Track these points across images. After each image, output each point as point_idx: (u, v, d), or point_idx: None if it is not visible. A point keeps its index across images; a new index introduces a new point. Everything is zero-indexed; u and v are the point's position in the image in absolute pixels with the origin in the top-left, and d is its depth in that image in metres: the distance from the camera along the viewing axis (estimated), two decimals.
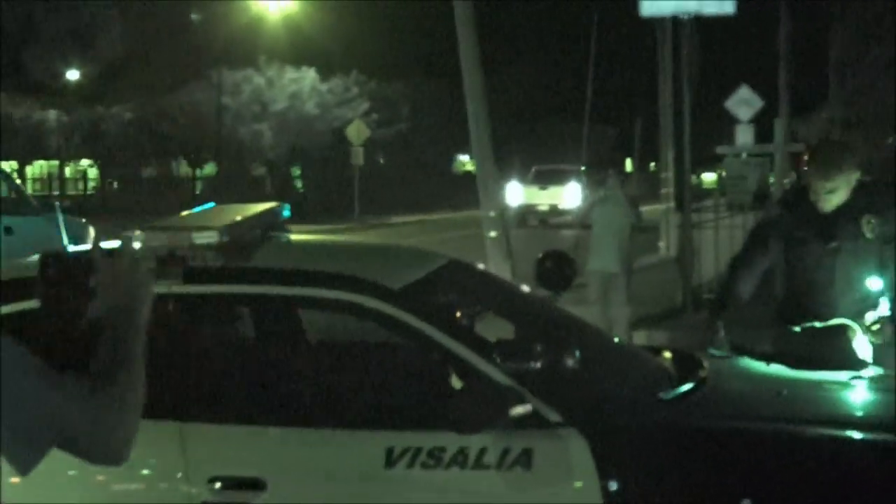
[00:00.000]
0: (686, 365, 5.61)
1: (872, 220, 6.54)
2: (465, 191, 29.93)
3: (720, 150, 20.22)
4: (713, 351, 5.99)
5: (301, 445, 4.87)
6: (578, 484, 4.68)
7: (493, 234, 16.19)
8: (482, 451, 4.74)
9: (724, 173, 20.23)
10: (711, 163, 41.65)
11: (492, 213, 16.21)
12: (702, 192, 43.42)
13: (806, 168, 6.75)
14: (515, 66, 62.65)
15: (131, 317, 2.98)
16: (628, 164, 48.46)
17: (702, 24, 18.69)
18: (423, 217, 48.66)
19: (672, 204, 25.04)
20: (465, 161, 68.65)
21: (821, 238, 6.65)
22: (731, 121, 27.76)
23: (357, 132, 46.38)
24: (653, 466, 4.69)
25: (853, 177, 6.57)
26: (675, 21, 17.70)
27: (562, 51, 60.74)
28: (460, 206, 44.76)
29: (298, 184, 61.30)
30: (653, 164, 50.59)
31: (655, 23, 25.00)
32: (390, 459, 4.73)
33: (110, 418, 2.79)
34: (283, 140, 55.56)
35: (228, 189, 47.02)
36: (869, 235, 6.54)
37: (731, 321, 6.48)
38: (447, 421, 4.68)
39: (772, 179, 27.41)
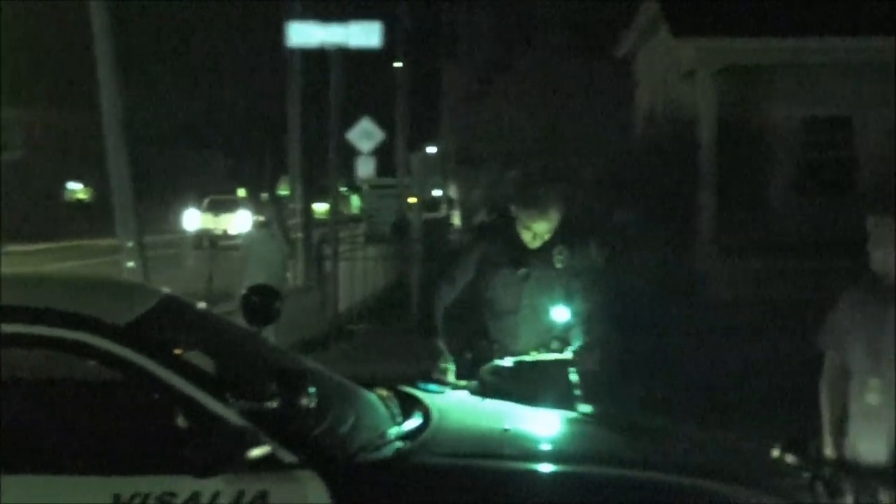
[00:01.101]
0: (407, 401, 5.57)
1: (564, 251, 6.71)
2: (80, 219, 29.17)
3: (362, 181, 20.45)
4: (426, 386, 5.98)
5: (21, 493, 4.55)
6: None
7: (130, 264, 15.71)
8: (216, 496, 4.56)
9: (360, 204, 20.48)
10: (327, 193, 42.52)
11: (129, 244, 15.74)
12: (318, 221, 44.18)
13: (516, 206, 6.82)
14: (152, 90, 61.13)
15: None
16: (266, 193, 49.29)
17: (324, 57, 18.87)
18: (39, 246, 46.93)
19: (301, 234, 25.09)
20: (76, 189, 66.54)
21: (513, 264, 6.74)
22: (352, 152, 28.14)
23: None
24: None
25: (560, 215, 6.73)
26: (303, 53, 17.82)
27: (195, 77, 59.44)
28: (71, 234, 44.45)
29: None
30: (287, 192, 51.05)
31: (286, 54, 25.07)
32: None
33: None
34: None
35: None
36: (559, 265, 6.69)
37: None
38: (179, 465, 4.48)
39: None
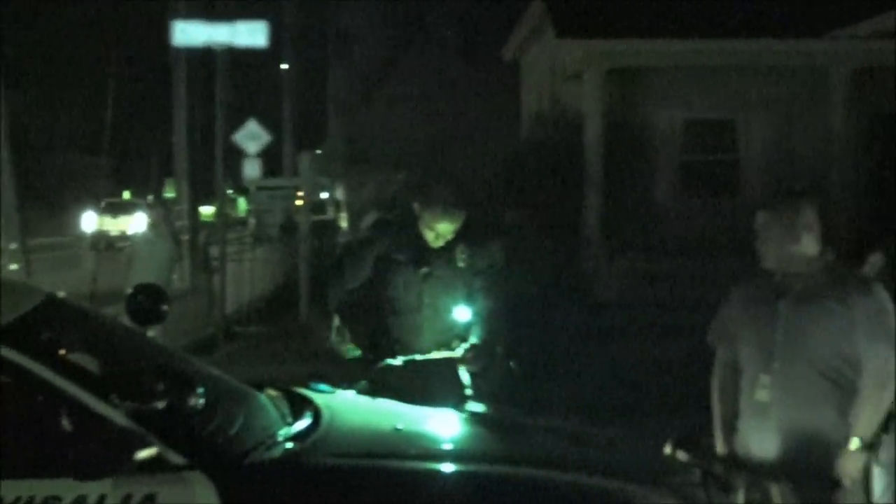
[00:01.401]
0: (297, 402, 5.50)
1: (465, 251, 6.67)
2: None
3: (249, 183, 20.30)
4: (316, 386, 5.90)
5: None
6: None
7: (13, 266, 15.51)
8: (102, 499, 4.47)
9: (247, 206, 20.35)
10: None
11: (13, 246, 15.52)
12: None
13: (419, 205, 6.74)
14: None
15: None
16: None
17: (211, 58, 18.68)
18: None
19: (187, 236, 24.81)
20: None
21: (414, 263, 6.68)
22: (240, 154, 27.93)
23: None
24: None
25: (464, 215, 6.68)
26: (189, 53, 17.61)
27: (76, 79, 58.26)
28: None
29: None
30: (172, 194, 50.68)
31: (171, 55, 24.81)
32: None
33: None
34: None
35: None
36: (461, 265, 6.65)
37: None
38: (64, 467, 4.38)
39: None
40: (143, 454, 4.49)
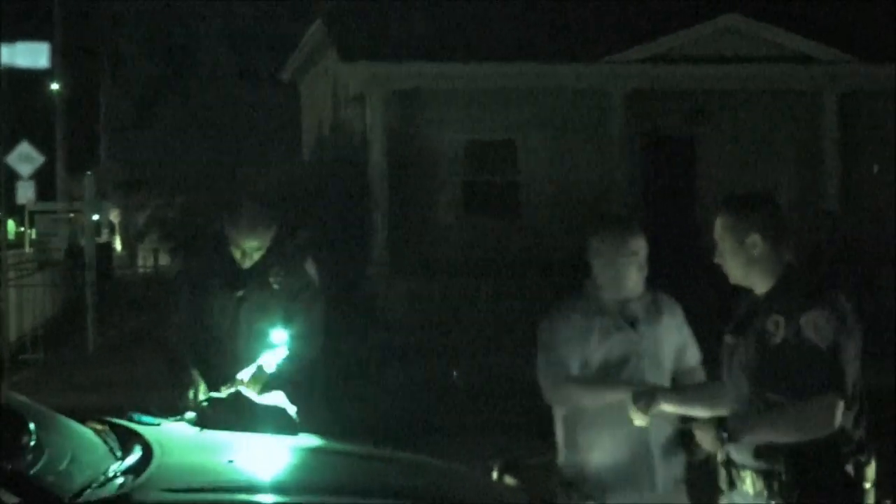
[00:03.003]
0: (124, 435, 5.39)
1: (280, 272, 6.59)
2: None
3: (30, 206, 19.78)
4: (140, 418, 5.78)
5: None
6: None
7: None
8: None
9: (16, 229, 19.80)
10: None
11: None
12: None
13: (226, 224, 6.65)
14: None
15: None
16: None
17: None
18: None
19: None
20: None
21: (229, 287, 6.56)
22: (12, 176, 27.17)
23: None
24: None
25: (272, 233, 6.59)
26: None
27: None
28: None
29: None
30: None
31: None
32: None
33: None
34: None
35: None
36: (276, 287, 6.58)
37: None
38: None
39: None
40: None
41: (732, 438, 4.45)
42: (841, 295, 4.51)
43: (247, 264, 6.54)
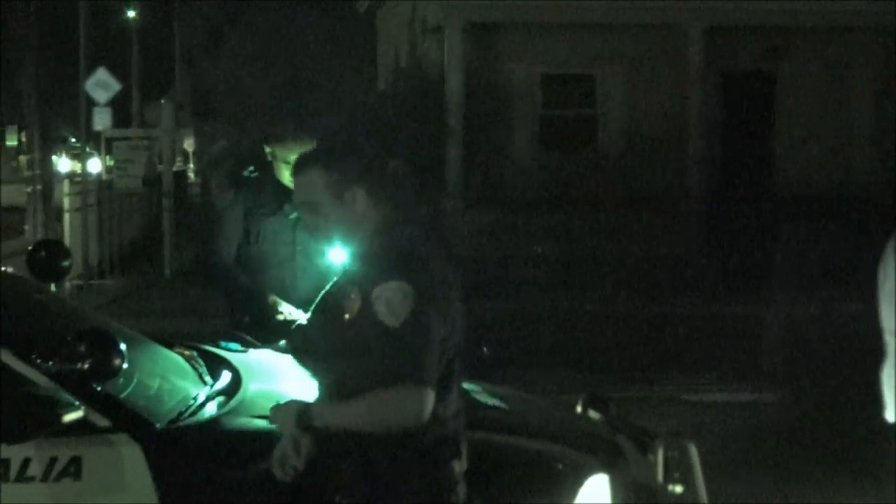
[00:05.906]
0: (213, 361, 5.41)
1: None
2: None
3: (107, 133, 19.88)
4: (228, 345, 5.78)
5: None
6: (133, 491, 4.42)
7: None
8: (26, 463, 4.38)
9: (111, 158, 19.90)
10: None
11: None
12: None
13: (271, 143, 6.57)
14: None
15: None
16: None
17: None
18: None
19: (39, 187, 24.23)
20: None
21: (281, 210, 6.45)
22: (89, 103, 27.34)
23: None
24: (211, 469, 4.49)
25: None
26: None
27: None
28: None
29: None
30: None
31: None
32: None
33: None
34: None
35: None
36: None
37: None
38: None
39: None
40: (68, 417, 4.39)
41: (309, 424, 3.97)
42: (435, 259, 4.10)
43: (287, 178, 6.26)
